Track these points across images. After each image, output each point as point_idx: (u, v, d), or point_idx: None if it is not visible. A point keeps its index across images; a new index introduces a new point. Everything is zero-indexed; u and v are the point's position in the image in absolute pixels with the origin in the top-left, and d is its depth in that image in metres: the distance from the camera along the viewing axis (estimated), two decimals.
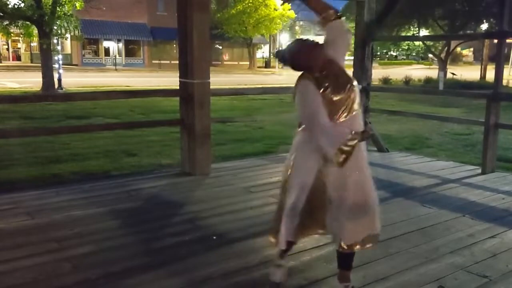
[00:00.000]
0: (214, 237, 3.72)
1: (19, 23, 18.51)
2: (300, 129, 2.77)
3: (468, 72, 34.06)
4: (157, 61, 40.46)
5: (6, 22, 18.32)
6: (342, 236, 2.69)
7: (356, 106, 2.63)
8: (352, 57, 7.60)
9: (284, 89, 11.58)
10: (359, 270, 3.22)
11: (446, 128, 10.27)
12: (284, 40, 60.60)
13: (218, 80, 14.23)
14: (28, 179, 5.62)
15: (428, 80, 28.48)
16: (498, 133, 6.09)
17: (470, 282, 3.08)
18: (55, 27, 18.36)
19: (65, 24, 19.30)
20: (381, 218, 3.68)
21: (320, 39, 2.77)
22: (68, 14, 18.69)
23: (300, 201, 2.70)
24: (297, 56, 2.70)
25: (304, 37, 2.98)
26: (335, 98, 2.57)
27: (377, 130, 7.44)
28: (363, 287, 3.00)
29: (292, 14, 45.57)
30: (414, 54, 60.86)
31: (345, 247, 2.71)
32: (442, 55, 30.67)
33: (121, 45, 41.10)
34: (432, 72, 33.40)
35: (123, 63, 40.18)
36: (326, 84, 2.58)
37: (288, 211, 2.72)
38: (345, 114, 2.59)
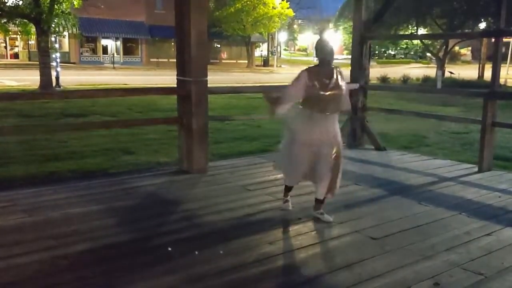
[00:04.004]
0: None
1: (17, 21, 18.45)
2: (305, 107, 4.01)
3: (466, 71, 34.14)
4: (155, 59, 40.43)
5: (4, 20, 18.26)
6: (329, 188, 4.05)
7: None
8: (350, 56, 7.62)
9: (282, 87, 11.60)
10: (355, 267, 3.24)
11: (443, 126, 10.29)
12: (282, 39, 60.61)
13: (216, 78, 14.24)
14: (25, 177, 5.61)
15: (426, 79, 28.52)
16: (495, 131, 6.11)
17: (466, 280, 3.10)
18: (53, 25, 18.29)
19: (63, 22, 19.21)
20: (378, 216, 3.76)
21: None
22: (66, 12, 18.62)
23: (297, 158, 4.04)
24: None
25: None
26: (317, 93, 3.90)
27: (375, 128, 7.46)
28: (359, 284, 3.01)
29: (290, 12, 45.60)
30: (412, 53, 60.98)
31: (330, 195, 4.09)
32: (440, 54, 30.70)
33: (119, 43, 41.06)
34: (430, 71, 33.44)
35: (121, 61, 40.13)
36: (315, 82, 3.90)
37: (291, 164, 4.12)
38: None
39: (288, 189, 4.42)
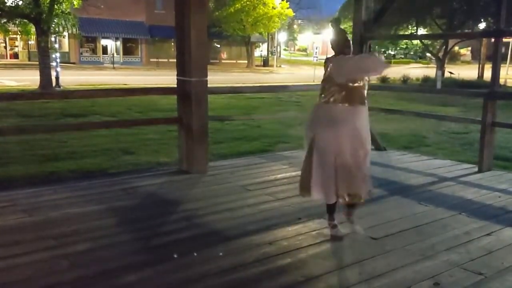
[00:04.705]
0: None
1: (17, 21, 18.46)
2: (323, 99, 3.60)
3: (466, 71, 34.13)
4: (155, 59, 40.41)
5: (4, 20, 18.27)
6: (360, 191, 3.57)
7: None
8: None
9: (281, 87, 11.64)
10: (355, 267, 3.24)
11: (443, 126, 10.29)
12: (282, 39, 60.51)
13: (216, 78, 14.26)
14: (25, 176, 5.61)
15: (426, 79, 28.50)
16: (494, 131, 6.11)
17: (466, 279, 3.10)
18: (53, 25, 18.30)
19: (63, 22, 19.23)
20: (378, 216, 3.76)
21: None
22: (66, 12, 18.64)
23: (325, 166, 3.53)
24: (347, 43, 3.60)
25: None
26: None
27: (375, 128, 7.45)
28: (359, 284, 3.01)
29: (290, 12, 45.61)
30: (412, 53, 60.96)
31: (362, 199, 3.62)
32: (440, 54, 30.69)
33: (119, 43, 41.04)
34: (430, 71, 33.42)
35: (121, 61, 40.11)
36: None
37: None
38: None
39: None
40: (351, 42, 3.65)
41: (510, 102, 11.98)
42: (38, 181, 5.39)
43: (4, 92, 15.62)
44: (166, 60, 38.27)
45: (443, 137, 9.40)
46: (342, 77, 3.52)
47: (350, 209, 3.76)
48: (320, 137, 3.57)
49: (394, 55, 64.05)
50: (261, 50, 54.61)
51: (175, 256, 3.34)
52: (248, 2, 40.92)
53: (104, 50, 41.01)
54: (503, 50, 19.61)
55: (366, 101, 3.75)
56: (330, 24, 3.74)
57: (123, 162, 6.58)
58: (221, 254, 3.38)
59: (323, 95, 3.62)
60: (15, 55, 40.94)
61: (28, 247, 3.44)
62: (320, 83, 3.74)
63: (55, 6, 17.68)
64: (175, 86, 5.73)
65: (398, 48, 60.02)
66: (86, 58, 39.58)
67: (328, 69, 3.63)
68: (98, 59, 40.03)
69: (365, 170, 3.63)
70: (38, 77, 18.56)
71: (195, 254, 3.37)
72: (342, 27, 3.87)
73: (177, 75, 5.66)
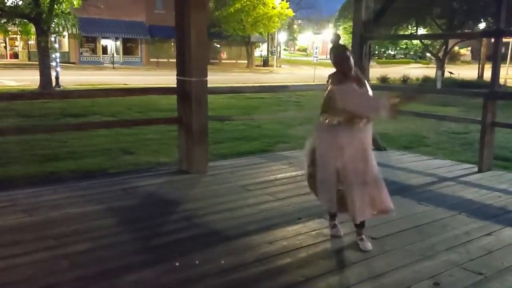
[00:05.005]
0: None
1: (17, 21, 18.46)
2: (323, 119, 3.48)
3: (466, 71, 34.13)
4: (155, 59, 40.42)
5: (3, 20, 18.27)
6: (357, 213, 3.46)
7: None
8: None
9: (281, 87, 11.64)
10: (354, 266, 3.24)
11: (443, 126, 10.29)
12: (282, 39, 60.53)
13: (216, 78, 14.26)
14: (25, 176, 5.61)
15: (426, 79, 28.48)
16: (494, 131, 6.11)
17: (466, 279, 3.10)
18: (52, 25, 18.30)
19: (63, 22, 19.23)
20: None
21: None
22: (66, 12, 18.64)
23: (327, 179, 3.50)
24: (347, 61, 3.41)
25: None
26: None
27: (375, 129, 7.46)
28: (359, 283, 3.01)
29: (290, 12, 45.62)
30: (412, 53, 60.98)
31: (361, 220, 3.51)
32: (440, 54, 30.69)
33: (119, 43, 41.03)
34: (430, 71, 33.42)
35: (121, 61, 40.10)
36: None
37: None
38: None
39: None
40: (351, 59, 3.43)
41: (510, 102, 11.98)
42: (38, 181, 5.39)
43: (4, 92, 15.62)
44: (166, 60, 38.28)
45: (443, 137, 9.40)
46: (345, 107, 3.36)
47: (358, 229, 3.61)
48: (323, 155, 3.51)
49: (394, 55, 64.09)
50: (261, 50, 54.61)
51: (177, 264, 3.26)
52: (248, 2, 40.90)
53: (104, 50, 40.99)
54: (503, 50, 19.61)
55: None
56: (330, 41, 3.55)
57: (123, 162, 6.58)
58: (222, 262, 3.30)
59: (326, 116, 3.46)
60: (15, 55, 40.95)
61: (28, 247, 3.44)
62: (321, 102, 3.54)
63: (55, 6, 17.68)
64: (175, 86, 5.74)
65: (398, 48, 60.06)
66: (86, 58, 39.57)
67: (330, 95, 3.42)
68: (98, 59, 40.02)
69: (368, 192, 3.46)
70: (38, 77, 18.56)
71: (196, 262, 3.28)
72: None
73: (177, 75, 5.66)
